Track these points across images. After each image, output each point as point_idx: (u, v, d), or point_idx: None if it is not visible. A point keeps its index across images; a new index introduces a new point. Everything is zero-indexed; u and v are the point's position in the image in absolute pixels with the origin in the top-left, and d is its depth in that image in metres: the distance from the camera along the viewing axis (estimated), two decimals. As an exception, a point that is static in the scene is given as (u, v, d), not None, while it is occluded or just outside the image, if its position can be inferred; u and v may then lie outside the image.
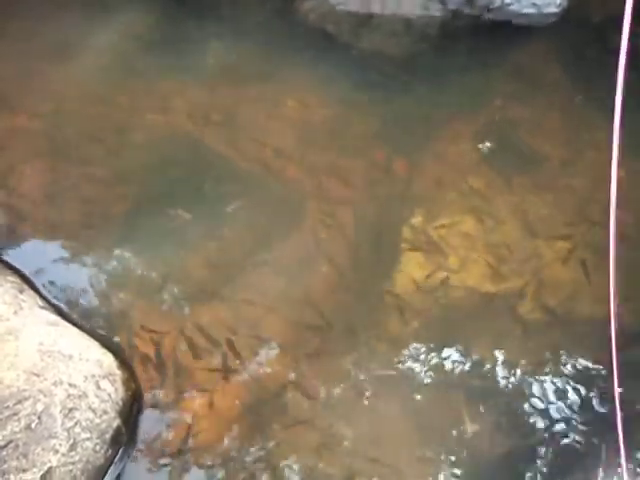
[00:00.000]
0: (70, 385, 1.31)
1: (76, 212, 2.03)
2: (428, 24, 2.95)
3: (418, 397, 1.67)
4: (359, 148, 2.38)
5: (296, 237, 2.05)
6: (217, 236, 2.01)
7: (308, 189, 2.20)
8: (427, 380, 1.72)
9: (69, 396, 1.29)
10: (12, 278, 1.61)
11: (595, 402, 1.68)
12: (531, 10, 2.86)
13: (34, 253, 1.87)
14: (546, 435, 1.63)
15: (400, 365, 1.74)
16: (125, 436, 1.43)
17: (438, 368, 1.74)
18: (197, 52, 2.80)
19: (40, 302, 1.56)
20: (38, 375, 1.28)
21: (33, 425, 1.21)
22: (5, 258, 1.80)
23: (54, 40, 2.85)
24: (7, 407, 1.20)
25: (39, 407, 1.23)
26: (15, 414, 1.20)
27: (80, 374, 1.36)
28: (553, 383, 1.73)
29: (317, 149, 2.36)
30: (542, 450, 1.60)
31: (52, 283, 1.77)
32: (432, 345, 1.79)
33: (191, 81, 2.62)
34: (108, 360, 1.48)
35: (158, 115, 2.43)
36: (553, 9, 2.90)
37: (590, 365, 1.77)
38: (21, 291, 1.55)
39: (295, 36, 2.91)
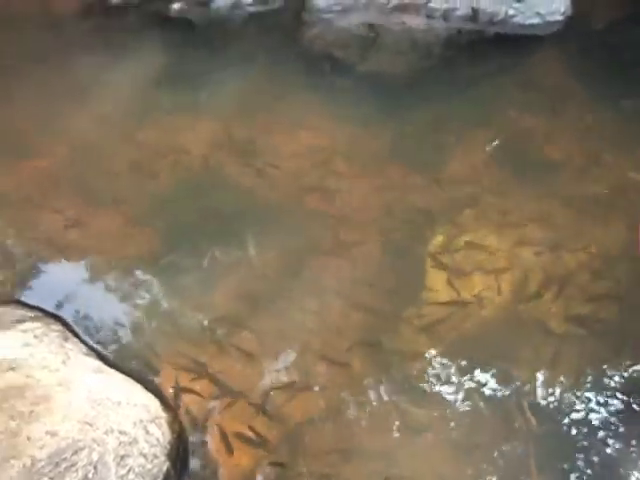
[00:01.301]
0: (121, 432, 1.33)
1: (108, 253, 2.08)
2: (433, 42, 3.00)
3: (453, 419, 1.66)
4: (375, 168, 2.40)
5: (321, 263, 2.07)
6: (246, 268, 2.03)
7: (329, 214, 2.22)
8: (462, 401, 1.71)
9: (121, 443, 1.32)
10: (55, 326, 1.65)
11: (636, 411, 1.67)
12: (536, 20, 2.90)
13: (71, 298, 1.90)
14: (587, 447, 1.61)
15: (432, 387, 1.73)
16: (174, 478, 1.45)
17: (472, 389, 1.73)
18: (209, 87, 2.85)
19: (84, 349, 1.59)
20: (91, 424, 1.30)
21: (90, 475, 1.22)
22: (43, 306, 1.85)
23: (72, 81, 2.92)
24: (65, 459, 1.23)
25: (94, 456, 1.25)
26: (73, 465, 1.23)
27: (129, 420, 1.39)
28: (592, 395, 1.71)
29: (334, 174, 2.37)
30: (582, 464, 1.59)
31: (91, 327, 1.79)
32: (464, 365, 1.78)
33: (206, 116, 2.66)
34: (153, 403, 1.50)
35: (178, 151, 2.46)
36: (557, 17, 2.93)
37: (626, 374, 1.76)
38: (65, 339, 1.59)
39: (303, 63, 2.96)
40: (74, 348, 1.56)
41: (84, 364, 1.51)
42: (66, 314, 1.82)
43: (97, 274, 2.01)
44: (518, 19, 2.89)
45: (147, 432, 1.38)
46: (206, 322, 1.88)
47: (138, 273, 2.01)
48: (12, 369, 1.42)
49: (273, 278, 2.02)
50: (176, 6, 3.31)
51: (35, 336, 1.56)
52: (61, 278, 1.97)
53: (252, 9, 3.25)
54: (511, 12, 2.89)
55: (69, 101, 2.78)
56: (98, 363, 1.56)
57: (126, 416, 1.39)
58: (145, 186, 2.31)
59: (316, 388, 1.72)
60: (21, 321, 1.66)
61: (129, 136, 2.52)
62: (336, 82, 2.83)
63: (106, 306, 1.92)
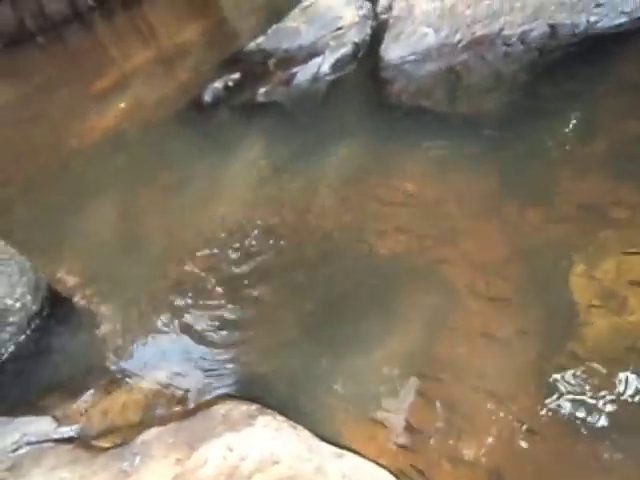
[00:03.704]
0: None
1: (273, 336, 2.20)
2: (516, 69, 3.01)
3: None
4: (489, 208, 2.38)
5: (475, 318, 2.04)
6: (395, 329, 2.06)
7: (456, 266, 2.21)
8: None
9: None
10: (279, 417, 1.89)
11: None
12: (623, 19, 2.83)
13: (271, 386, 2.00)
14: None
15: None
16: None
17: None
18: (313, 163, 3.00)
19: (310, 434, 1.76)
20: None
21: None
22: (250, 396, 1.93)
23: (197, 186, 3.19)
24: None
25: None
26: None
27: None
28: None
29: (450, 222, 2.40)
30: None
31: (302, 412, 1.87)
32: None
33: (315, 188, 2.84)
34: (384, 475, 1.59)
35: (314, 227, 2.62)
36: (644, 10, 2.84)
37: None
38: (294, 427, 1.85)
39: (394, 118, 3.06)
40: (306, 435, 1.83)
41: (323, 449, 1.68)
42: (276, 402, 1.90)
43: (278, 358, 2.11)
44: (603, 23, 2.84)
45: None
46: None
47: (309, 351, 2.07)
48: (276, 463, 1.65)
49: (426, 339, 2.00)
50: (262, 91, 3.65)
51: (275, 429, 1.87)
52: (253, 369, 2.08)
53: (331, 77, 3.49)
54: (593, 18, 2.86)
55: (202, 205, 3.02)
56: (326, 445, 1.86)
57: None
58: (287, 268, 2.46)
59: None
60: (253, 416, 1.94)
61: (248, 226, 2.76)
62: (431, 131, 2.89)
63: (300, 387, 1.98)
